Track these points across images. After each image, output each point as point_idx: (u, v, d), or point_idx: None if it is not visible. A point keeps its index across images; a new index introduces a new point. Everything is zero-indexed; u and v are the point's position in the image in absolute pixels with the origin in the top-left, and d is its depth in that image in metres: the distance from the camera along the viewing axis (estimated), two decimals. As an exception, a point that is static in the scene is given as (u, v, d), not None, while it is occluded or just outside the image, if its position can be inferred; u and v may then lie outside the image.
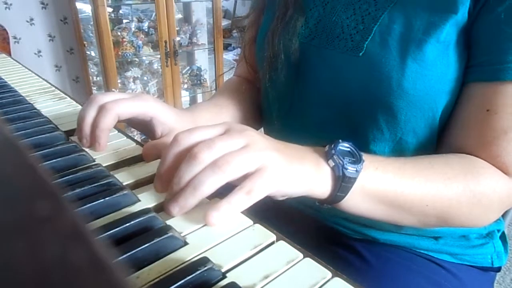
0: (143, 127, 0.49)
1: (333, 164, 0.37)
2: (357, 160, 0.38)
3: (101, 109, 0.44)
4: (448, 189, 0.40)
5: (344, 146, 0.38)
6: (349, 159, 0.37)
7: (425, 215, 0.41)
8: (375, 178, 0.39)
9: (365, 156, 0.39)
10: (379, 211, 0.40)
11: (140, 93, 0.53)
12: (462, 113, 0.44)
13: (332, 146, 0.38)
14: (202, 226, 0.33)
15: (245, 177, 0.33)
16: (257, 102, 0.65)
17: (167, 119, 0.47)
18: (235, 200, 0.32)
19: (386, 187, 0.39)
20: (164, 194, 0.37)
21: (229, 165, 0.32)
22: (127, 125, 0.51)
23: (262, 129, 0.68)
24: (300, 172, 0.36)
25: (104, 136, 0.44)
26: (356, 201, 0.39)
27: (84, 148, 0.46)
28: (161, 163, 0.36)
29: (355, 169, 0.37)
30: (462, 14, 0.42)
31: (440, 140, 0.47)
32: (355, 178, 0.37)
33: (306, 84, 0.52)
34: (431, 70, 0.42)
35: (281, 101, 0.57)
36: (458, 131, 0.45)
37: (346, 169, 0.36)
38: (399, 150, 0.48)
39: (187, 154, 0.33)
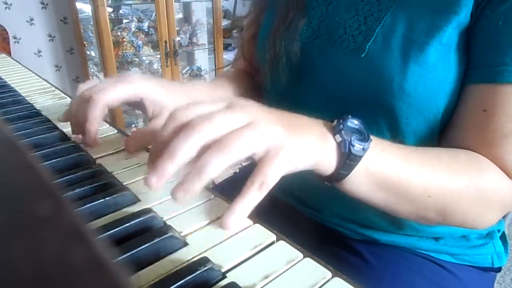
0: (137, 106, 0.49)
1: (340, 139, 0.35)
2: (365, 139, 0.36)
3: (89, 102, 0.44)
4: (452, 182, 0.39)
5: (353, 122, 0.37)
6: (357, 136, 0.36)
7: (425, 207, 0.40)
8: (381, 160, 0.38)
9: (372, 137, 0.38)
10: (380, 195, 0.39)
11: (126, 74, 0.52)
12: (461, 114, 0.44)
13: (341, 121, 0.36)
14: (202, 226, 0.33)
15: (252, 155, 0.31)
16: (255, 94, 0.65)
17: (158, 97, 0.47)
18: (249, 198, 0.31)
19: (391, 171, 0.38)
20: (165, 195, 0.37)
21: (234, 145, 0.30)
22: (127, 125, 0.52)
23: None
24: (308, 145, 0.34)
25: (93, 128, 0.44)
26: (358, 182, 0.38)
27: (84, 148, 0.46)
28: (155, 140, 0.33)
29: (362, 147, 0.35)
30: (464, 15, 0.41)
31: (440, 140, 0.47)
32: (360, 157, 0.36)
33: (308, 84, 0.52)
34: (432, 72, 0.42)
35: (282, 101, 0.57)
36: (457, 131, 0.45)
37: (353, 146, 0.35)
38: None
39: (186, 125, 0.31)
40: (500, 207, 0.43)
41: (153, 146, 0.33)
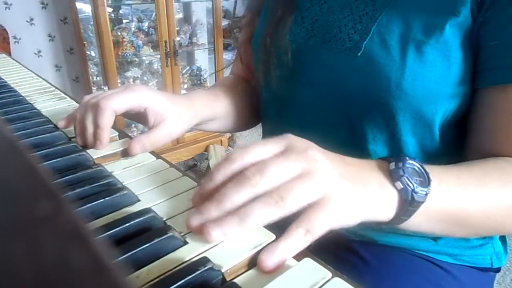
0: (138, 117, 0.50)
1: (402, 187, 0.33)
2: (425, 180, 0.35)
3: (97, 108, 0.44)
4: (506, 197, 0.39)
5: (413, 165, 0.35)
6: (417, 180, 0.34)
7: (483, 228, 0.40)
8: (440, 195, 0.36)
9: (427, 168, 0.36)
10: (439, 227, 0.39)
11: (130, 84, 0.54)
12: (486, 118, 0.43)
13: (400, 164, 0.34)
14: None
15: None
16: (252, 101, 0.65)
17: (162, 108, 0.48)
18: (293, 242, 0.29)
19: (449, 204, 0.37)
20: (165, 195, 0.37)
21: (283, 200, 0.29)
22: (126, 125, 0.52)
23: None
24: (364, 198, 0.32)
25: (106, 134, 0.45)
26: (418, 222, 0.36)
27: (84, 148, 0.46)
28: (209, 178, 0.33)
29: (424, 192, 0.34)
30: (463, 15, 0.41)
31: (468, 146, 0.47)
32: (423, 202, 0.34)
33: (302, 84, 0.52)
34: (430, 71, 0.42)
35: (277, 102, 0.57)
36: (487, 137, 0.44)
37: (416, 193, 0.33)
38: (398, 150, 0.48)
39: (238, 176, 0.31)
40: None
41: (203, 185, 0.33)
